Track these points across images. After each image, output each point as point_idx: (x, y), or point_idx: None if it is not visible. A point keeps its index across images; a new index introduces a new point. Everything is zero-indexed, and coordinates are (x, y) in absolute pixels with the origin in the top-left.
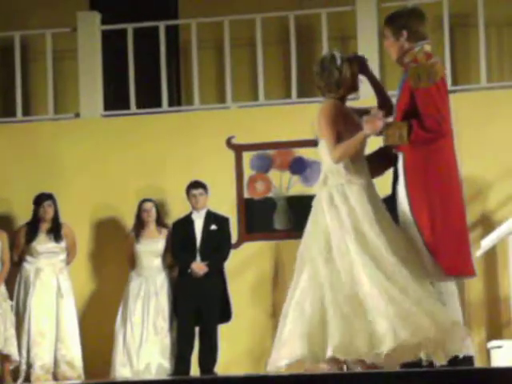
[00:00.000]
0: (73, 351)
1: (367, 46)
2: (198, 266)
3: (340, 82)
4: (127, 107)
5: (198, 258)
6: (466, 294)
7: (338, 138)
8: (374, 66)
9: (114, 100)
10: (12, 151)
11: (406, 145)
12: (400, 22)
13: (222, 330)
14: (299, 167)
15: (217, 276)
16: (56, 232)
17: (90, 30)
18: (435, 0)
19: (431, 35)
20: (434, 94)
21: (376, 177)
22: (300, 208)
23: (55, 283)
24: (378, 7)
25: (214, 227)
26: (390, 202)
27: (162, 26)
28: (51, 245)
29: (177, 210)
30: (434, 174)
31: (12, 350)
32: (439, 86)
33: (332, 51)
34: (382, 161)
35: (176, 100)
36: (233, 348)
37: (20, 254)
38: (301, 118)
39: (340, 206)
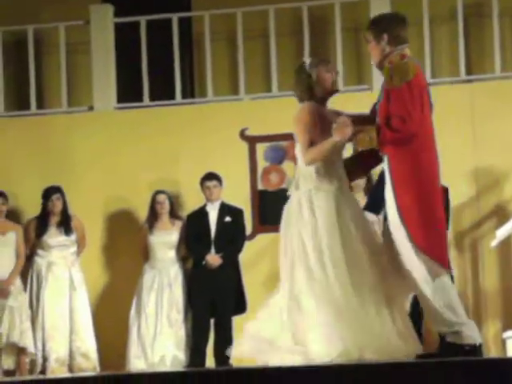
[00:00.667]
0: (87, 343)
1: None
2: (213, 258)
3: (311, 85)
4: (140, 100)
5: (213, 250)
6: (481, 284)
7: (312, 141)
8: None
9: (128, 93)
10: (25, 144)
11: (389, 147)
12: (381, 26)
13: (237, 321)
14: None
15: (231, 268)
16: (66, 225)
17: (103, 22)
18: None
19: (446, 25)
20: (404, 93)
21: (358, 178)
22: None
23: (67, 276)
24: None
25: (228, 219)
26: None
27: (175, 18)
28: (62, 238)
29: (191, 202)
30: (418, 174)
31: (28, 342)
32: (411, 85)
33: (304, 59)
34: (365, 162)
35: (189, 92)
36: None
37: (31, 247)
38: None
39: (306, 215)
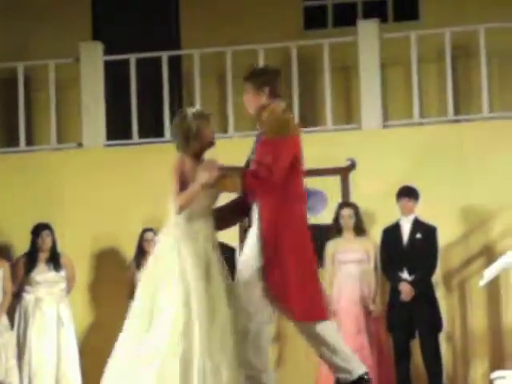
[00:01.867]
0: (74, 380)
1: (369, 75)
2: None
3: (189, 137)
4: (130, 137)
5: None
6: (470, 323)
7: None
8: (376, 96)
9: (117, 130)
10: (14, 181)
11: (260, 195)
12: (263, 79)
13: None
14: None
15: None
16: (55, 261)
17: (93, 60)
18: (437, 31)
19: (434, 65)
20: (279, 146)
21: (228, 227)
22: None
23: (55, 312)
24: (380, 38)
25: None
26: None
27: (164, 56)
28: (51, 274)
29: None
30: (287, 226)
31: (13, 380)
32: (288, 142)
33: (186, 108)
34: (237, 211)
35: None
36: None
37: (19, 284)
38: (304, 148)
39: (172, 264)
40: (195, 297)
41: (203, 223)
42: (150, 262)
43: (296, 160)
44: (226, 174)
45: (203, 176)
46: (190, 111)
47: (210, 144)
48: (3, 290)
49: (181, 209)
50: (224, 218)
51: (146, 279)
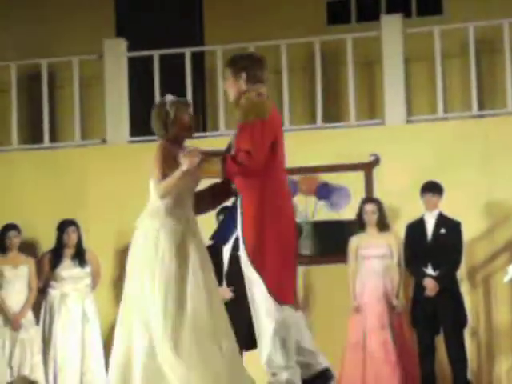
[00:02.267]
0: (98, 375)
1: (392, 70)
2: (224, 292)
3: (167, 123)
4: (153, 133)
5: (224, 284)
6: (494, 318)
7: (165, 177)
8: (399, 91)
9: (141, 126)
10: (39, 177)
11: (237, 180)
12: (241, 65)
13: (249, 356)
14: (325, 192)
15: (244, 302)
16: (80, 257)
17: (117, 56)
18: (461, 26)
19: (458, 60)
20: (256, 130)
21: (207, 211)
22: (326, 233)
23: (80, 308)
24: (404, 33)
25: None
26: None
27: (187, 52)
28: (76, 270)
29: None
30: (266, 211)
31: (38, 376)
32: (265, 124)
33: (165, 96)
34: (215, 196)
35: (201, 126)
36: (260, 375)
37: (45, 280)
38: (326, 144)
39: (150, 254)
40: (170, 286)
41: (185, 210)
42: (130, 249)
43: (276, 141)
44: (207, 159)
45: (186, 162)
46: (168, 98)
47: (190, 130)
48: (29, 286)
49: (163, 195)
50: (204, 202)
51: (128, 267)
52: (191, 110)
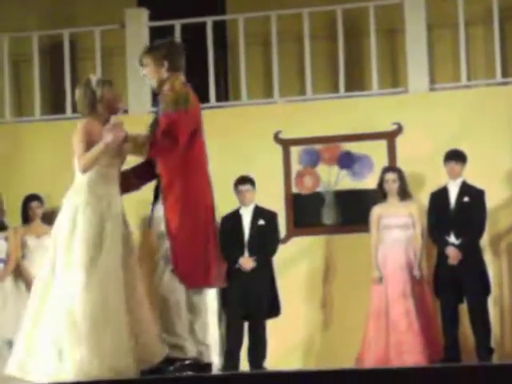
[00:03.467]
0: None
1: (415, 39)
2: (246, 261)
3: (94, 102)
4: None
5: (246, 253)
6: (505, 301)
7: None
8: (422, 59)
9: None
10: (60, 148)
11: (159, 165)
12: (162, 53)
13: (272, 324)
14: (347, 161)
15: (265, 270)
16: None
17: (138, 26)
18: None
19: (481, 27)
20: (179, 118)
21: (131, 191)
22: (348, 202)
23: None
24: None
25: (261, 222)
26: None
27: (209, 21)
28: None
29: (224, 205)
30: (186, 196)
31: None
32: (188, 113)
33: (90, 75)
34: (141, 175)
35: (224, 95)
36: (282, 343)
37: None
38: (348, 113)
39: (65, 230)
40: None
41: (109, 187)
42: (53, 228)
43: (197, 130)
44: (133, 136)
45: (109, 136)
46: (93, 77)
47: (115, 109)
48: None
49: (85, 169)
50: (127, 181)
51: (51, 246)
52: (115, 88)
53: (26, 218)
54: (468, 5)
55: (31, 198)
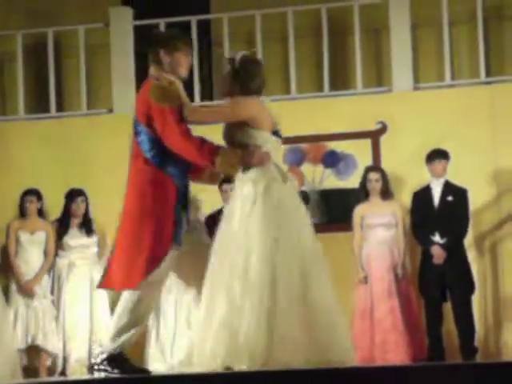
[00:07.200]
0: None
1: (399, 38)
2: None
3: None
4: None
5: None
6: (501, 286)
7: None
8: (407, 58)
9: None
10: (45, 147)
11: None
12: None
13: None
14: (332, 160)
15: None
16: (87, 226)
17: (123, 25)
18: None
19: (466, 26)
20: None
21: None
22: (333, 201)
23: (88, 276)
24: None
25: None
26: None
27: (194, 20)
28: (83, 239)
29: (210, 202)
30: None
31: (51, 345)
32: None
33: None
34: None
35: (208, 94)
36: None
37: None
38: (333, 112)
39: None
40: None
41: None
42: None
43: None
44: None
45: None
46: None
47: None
48: (46, 252)
49: None
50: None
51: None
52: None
53: (22, 213)
54: (452, 4)
55: (27, 193)
